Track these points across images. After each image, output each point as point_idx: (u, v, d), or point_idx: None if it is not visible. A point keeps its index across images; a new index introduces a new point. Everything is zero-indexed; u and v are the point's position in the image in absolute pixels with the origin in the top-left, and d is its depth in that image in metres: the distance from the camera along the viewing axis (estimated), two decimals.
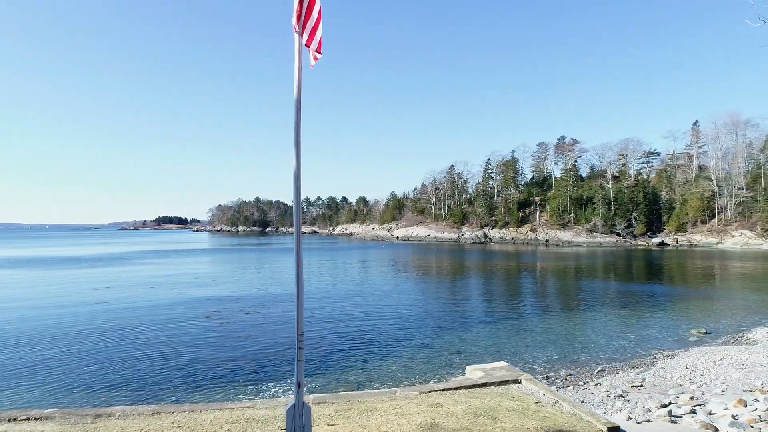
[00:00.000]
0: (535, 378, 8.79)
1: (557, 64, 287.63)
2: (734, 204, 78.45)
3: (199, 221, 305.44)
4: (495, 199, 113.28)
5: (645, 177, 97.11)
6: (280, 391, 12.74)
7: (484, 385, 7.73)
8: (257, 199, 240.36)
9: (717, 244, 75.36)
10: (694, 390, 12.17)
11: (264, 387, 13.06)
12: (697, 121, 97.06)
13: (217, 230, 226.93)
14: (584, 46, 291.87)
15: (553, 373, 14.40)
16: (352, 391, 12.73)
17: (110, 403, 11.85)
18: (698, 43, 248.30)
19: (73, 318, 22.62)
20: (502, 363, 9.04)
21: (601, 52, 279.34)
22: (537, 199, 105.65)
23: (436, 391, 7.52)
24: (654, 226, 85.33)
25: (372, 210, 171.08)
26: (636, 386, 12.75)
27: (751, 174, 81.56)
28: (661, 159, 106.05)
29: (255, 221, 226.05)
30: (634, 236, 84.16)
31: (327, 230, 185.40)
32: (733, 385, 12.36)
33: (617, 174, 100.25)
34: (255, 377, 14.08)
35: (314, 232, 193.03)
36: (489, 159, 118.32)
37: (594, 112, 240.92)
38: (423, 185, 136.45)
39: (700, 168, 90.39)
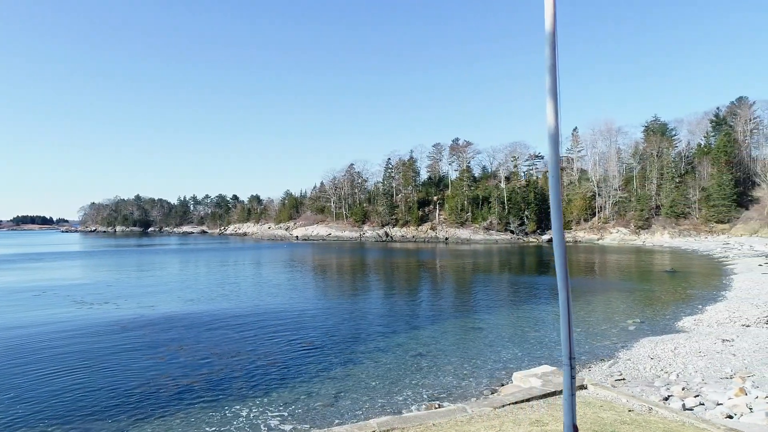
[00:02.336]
0: None
1: (449, 67, 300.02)
2: (611, 204, 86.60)
3: (67, 221, 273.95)
4: (395, 198, 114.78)
5: (535, 178, 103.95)
6: (252, 415, 10.90)
7: (553, 394, 6.84)
8: (137, 197, 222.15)
9: (598, 240, 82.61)
10: (674, 380, 12.34)
11: (229, 411, 11.13)
12: (576, 128, 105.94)
13: (91, 231, 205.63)
14: (475, 51, 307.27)
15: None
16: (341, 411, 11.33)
17: None
18: (578, 50, 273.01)
19: None
20: (547, 367, 8.22)
21: (490, 56, 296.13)
22: (435, 198, 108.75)
23: (509, 404, 6.51)
24: (543, 223, 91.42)
25: (267, 209, 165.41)
26: (619, 380, 12.69)
27: (623, 177, 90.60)
28: (544, 162, 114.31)
29: (135, 221, 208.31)
30: (526, 233, 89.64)
31: (218, 230, 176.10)
32: (707, 373, 12.72)
33: (509, 175, 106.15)
34: (210, 398, 12.06)
35: (203, 232, 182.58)
36: (389, 158, 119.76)
37: (486, 115, 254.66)
38: (321, 184, 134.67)
39: (582, 171, 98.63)
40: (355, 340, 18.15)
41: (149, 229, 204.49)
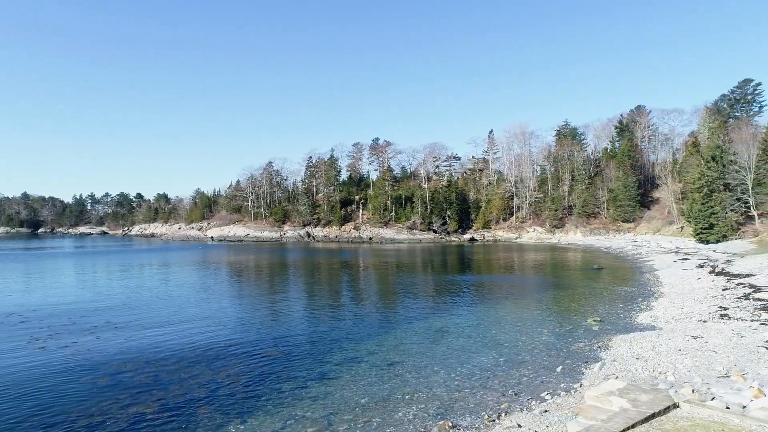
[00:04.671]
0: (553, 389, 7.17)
1: (367, 68, 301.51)
2: (527, 204, 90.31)
3: None
4: (316, 197, 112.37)
5: (455, 179, 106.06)
6: None
7: (653, 416, 5.84)
8: (25, 195, 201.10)
9: (516, 238, 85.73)
10: (675, 381, 11.97)
11: None
12: (492, 130, 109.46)
13: None
14: (392, 53, 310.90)
15: (525, 379, 13.17)
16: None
17: None
18: (495, 56, 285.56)
19: None
20: (617, 382, 7.27)
21: (411, 59, 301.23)
22: (357, 197, 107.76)
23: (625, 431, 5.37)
24: (464, 223, 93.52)
25: (176, 208, 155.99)
26: None
27: (538, 178, 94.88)
28: (461, 163, 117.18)
29: (22, 221, 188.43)
30: (448, 233, 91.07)
31: (121, 231, 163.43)
32: (701, 372, 12.53)
33: (429, 176, 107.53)
34: (173, 428, 10.01)
35: (104, 233, 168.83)
36: (310, 157, 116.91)
37: (403, 116, 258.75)
38: (238, 182, 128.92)
39: (500, 172, 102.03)
40: (318, 350, 16.57)
41: (39, 230, 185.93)
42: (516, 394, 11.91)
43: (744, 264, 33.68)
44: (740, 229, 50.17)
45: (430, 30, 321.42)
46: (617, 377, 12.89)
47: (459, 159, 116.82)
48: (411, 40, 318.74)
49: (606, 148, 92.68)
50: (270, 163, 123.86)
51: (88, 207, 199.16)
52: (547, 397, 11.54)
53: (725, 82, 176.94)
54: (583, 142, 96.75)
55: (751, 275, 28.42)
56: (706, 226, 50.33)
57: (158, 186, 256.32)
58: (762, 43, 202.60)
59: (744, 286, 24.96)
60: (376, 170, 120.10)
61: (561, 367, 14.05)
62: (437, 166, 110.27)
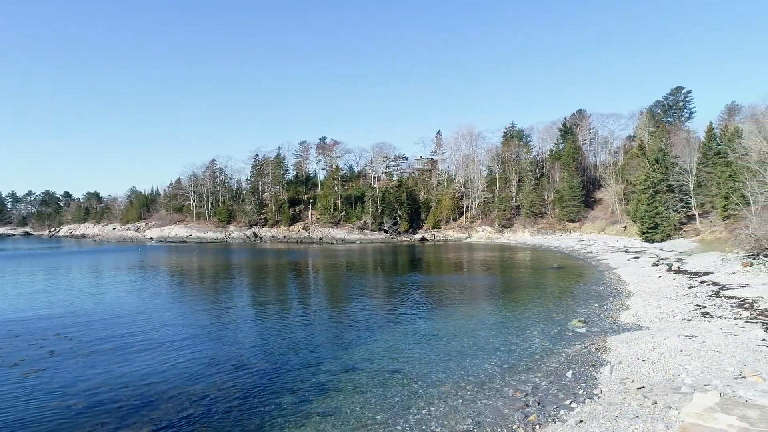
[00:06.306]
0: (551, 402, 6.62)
1: (314, 67, 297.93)
2: (477, 204, 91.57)
3: None
4: (263, 196, 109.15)
5: (406, 179, 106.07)
6: None
7: None
8: None
9: (466, 238, 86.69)
10: (693, 383, 11.70)
11: None
12: (439, 131, 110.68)
13: None
14: (339, 52, 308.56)
15: (540, 386, 12.56)
16: None
17: None
18: (442, 58, 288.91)
19: None
20: (711, 396, 6.66)
21: (357, 59, 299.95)
22: (306, 197, 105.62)
23: None
24: (415, 223, 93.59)
25: (110, 207, 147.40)
26: (641, 387, 11.82)
27: (487, 179, 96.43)
28: (409, 163, 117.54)
29: None
30: (399, 233, 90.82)
31: (48, 232, 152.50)
32: (714, 373, 12.33)
33: (379, 175, 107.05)
34: None
35: (27, 234, 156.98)
36: (257, 155, 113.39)
37: (353, 115, 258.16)
38: (179, 180, 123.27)
39: (448, 173, 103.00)
40: (307, 358, 15.37)
41: None
42: (539, 404, 11.27)
43: (696, 262, 35.08)
44: (682, 228, 52.73)
45: (377, 30, 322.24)
46: (633, 381, 12.59)
47: (407, 159, 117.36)
48: (357, 40, 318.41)
49: (551, 150, 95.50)
50: (213, 160, 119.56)
51: (9, 206, 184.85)
52: (573, 406, 10.98)
53: (659, 88, 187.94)
54: (529, 143, 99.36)
55: (709, 273, 29.51)
56: (652, 225, 52.54)
57: (88, 184, 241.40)
58: (692, 52, 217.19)
59: (707, 284, 25.73)
60: (323, 169, 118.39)
61: (571, 372, 13.57)
62: (387, 166, 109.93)
